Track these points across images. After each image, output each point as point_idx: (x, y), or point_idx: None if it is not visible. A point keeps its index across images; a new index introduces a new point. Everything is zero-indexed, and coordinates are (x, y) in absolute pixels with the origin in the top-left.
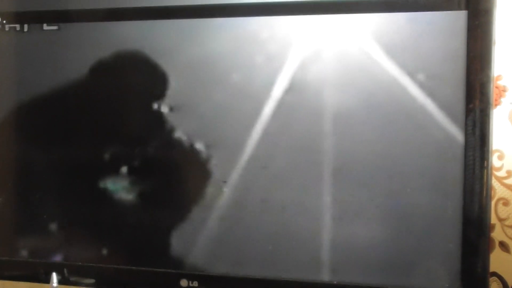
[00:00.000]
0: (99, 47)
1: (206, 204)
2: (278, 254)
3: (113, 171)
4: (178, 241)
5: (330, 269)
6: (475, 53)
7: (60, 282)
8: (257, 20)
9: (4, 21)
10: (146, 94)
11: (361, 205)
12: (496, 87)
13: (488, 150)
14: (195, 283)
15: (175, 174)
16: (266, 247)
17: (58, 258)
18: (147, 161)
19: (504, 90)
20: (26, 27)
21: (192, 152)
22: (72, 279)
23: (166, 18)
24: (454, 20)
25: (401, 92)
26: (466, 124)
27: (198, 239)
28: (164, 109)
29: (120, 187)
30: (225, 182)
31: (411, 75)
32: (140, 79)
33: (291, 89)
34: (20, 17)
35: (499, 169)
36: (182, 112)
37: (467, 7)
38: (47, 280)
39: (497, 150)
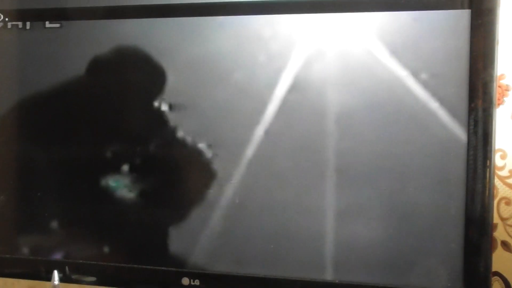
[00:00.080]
0: (102, 45)
1: (207, 202)
2: (280, 253)
3: (115, 169)
4: (179, 240)
5: (332, 268)
6: (478, 52)
7: (61, 280)
8: (260, 18)
9: (7, 19)
10: (149, 92)
11: (364, 204)
12: (499, 86)
13: (490, 150)
14: (197, 282)
15: (176, 172)
16: (268, 246)
17: (59, 256)
18: (149, 159)
19: (507, 89)
20: (28, 24)
21: (194, 151)
22: (74, 277)
23: (168, 16)
24: (458, 19)
25: (404, 91)
26: (468, 123)
27: (199, 237)
28: (166, 107)
29: (121, 185)
30: (227, 181)
31: (414, 74)
32: (142, 77)
33: (294, 88)
34: (23, 15)
35: (501, 168)
36: (185, 111)
37: (470, 6)
38: (49, 278)
39: (500, 150)
